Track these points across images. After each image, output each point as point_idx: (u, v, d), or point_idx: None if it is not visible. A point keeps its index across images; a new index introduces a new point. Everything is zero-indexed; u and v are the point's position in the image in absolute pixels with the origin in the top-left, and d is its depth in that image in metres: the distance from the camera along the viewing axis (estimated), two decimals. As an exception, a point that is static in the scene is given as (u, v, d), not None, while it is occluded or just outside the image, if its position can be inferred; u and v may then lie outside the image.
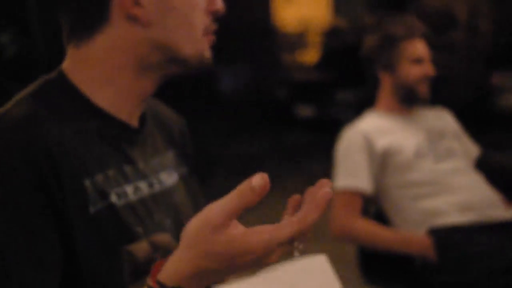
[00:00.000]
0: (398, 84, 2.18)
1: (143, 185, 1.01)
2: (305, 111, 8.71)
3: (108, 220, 0.93)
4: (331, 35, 10.92)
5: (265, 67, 9.96)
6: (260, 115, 9.24)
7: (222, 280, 0.78)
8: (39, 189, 0.87)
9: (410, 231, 2.07)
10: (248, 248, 0.73)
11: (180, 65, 1.01)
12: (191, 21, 1.00)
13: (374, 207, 2.22)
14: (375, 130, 2.16)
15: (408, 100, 2.19)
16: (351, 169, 2.13)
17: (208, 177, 5.99)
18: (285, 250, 0.75)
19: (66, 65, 1.00)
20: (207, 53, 1.03)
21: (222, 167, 6.58)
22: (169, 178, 1.08)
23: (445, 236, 1.99)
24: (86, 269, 0.88)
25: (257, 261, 0.74)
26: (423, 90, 2.16)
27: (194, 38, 1.01)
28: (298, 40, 12.41)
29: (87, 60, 0.99)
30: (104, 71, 0.99)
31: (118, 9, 0.96)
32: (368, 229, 2.09)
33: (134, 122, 1.03)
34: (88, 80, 0.98)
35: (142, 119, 1.06)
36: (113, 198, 0.94)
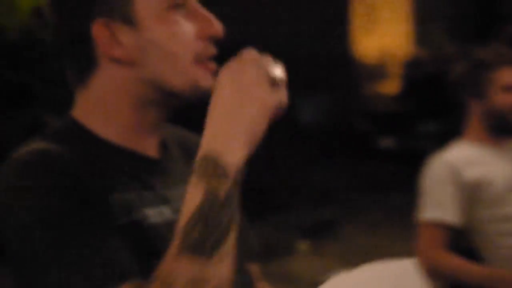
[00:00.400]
0: (488, 113, 2.10)
1: (166, 211, 1.00)
2: (385, 142, 8.59)
3: (134, 235, 0.92)
4: (412, 65, 10.77)
5: (345, 97, 9.90)
6: (340, 146, 9.17)
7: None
8: (77, 197, 0.89)
9: (502, 268, 1.97)
10: None
11: (176, 98, 0.99)
12: (173, 52, 0.97)
13: (463, 241, 2.13)
14: (464, 160, 2.08)
15: (499, 130, 2.10)
16: (437, 201, 2.05)
17: (286, 208, 5.96)
18: None
19: (75, 110, 1.02)
20: (204, 81, 0.99)
21: (301, 197, 6.53)
22: None
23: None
24: None
25: None
26: (514, 119, 2.07)
27: (181, 69, 0.98)
28: (378, 71, 12.30)
29: (90, 102, 1.00)
30: (107, 111, 1.00)
31: (102, 52, 0.97)
32: (455, 264, 2.00)
33: (151, 153, 1.03)
34: (96, 120, 1.00)
35: (163, 148, 1.06)
36: (135, 217, 0.94)
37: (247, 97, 0.89)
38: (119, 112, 1.00)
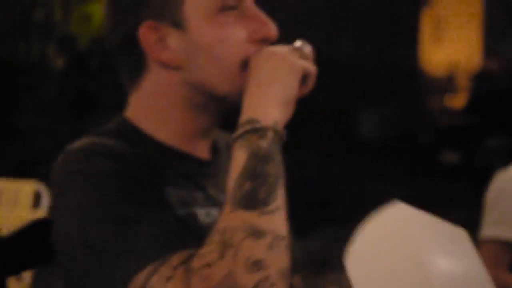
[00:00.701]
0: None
1: (215, 212, 1.00)
2: (450, 157, 8.40)
3: (192, 226, 0.93)
4: (481, 78, 10.51)
5: (410, 110, 9.74)
6: (403, 160, 9.02)
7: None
8: (134, 184, 0.91)
9: None
10: None
11: (223, 103, 0.99)
12: (222, 56, 0.96)
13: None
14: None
15: None
16: (501, 217, 1.96)
17: (345, 221, 5.89)
18: None
19: (128, 111, 1.03)
20: None
21: (362, 211, 6.45)
22: None
23: None
24: None
25: None
26: None
27: (229, 74, 0.97)
28: (446, 84, 12.06)
29: (142, 104, 1.01)
30: (158, 113, 1.00)
31: (149, 56, 0.97)
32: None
33: (203, 155, 1.03)
34: (148, 121, 1.00)
35: (214, 151, 1.06)
36: (190, 211, 0.95)
37: (278, 64, 0.94)
38: (169, 115, 1.00)
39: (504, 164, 2.25)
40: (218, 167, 1.06)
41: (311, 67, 0.98)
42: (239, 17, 0.98)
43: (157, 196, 0.92)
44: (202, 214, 0.98)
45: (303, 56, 0.97)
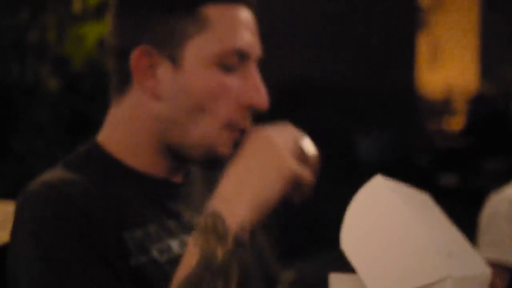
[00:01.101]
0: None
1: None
2: (448, 180, 8.40)
3: (150, 274, 0.89)
4: (478, 100, 10.56)
5: (407, 133, 9.75)
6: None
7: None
8: (83, 234, 0.87)
9: None
10: None
11: (187, 153, 0.95)
12: (207, 109, 0.93)
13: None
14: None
15: None
16: (495, 240, 1.95)
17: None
18: None
19: (100, 135, 1.01)
20: (223, 148, 0.94)
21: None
22: None
23: None
24: None
25: None
26: None
27: (207, 127, 0.93)
28: (442, 106, 12.10)
29: (115, 123, 0.99)
30: (129, 138, 0.97)
31: (136, 79, 0.96)
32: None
33: (177, 179, 1.00)
34: (120, 146, 0.98)
35: (186, 174, 1.03)
36: (155, 254, 0.91)
37: (266, 161, 0.85)
38: (140, 143, 0.98)
39: (501, 186, 2.22)
40: (190, 188, 1.03)
41: (307, 176, 0.89)
42: (239, 75, 0.96)
43: (109, 246, 0.89)
44: (175, 245, 0.95)
45: (303, 158, 0.88)
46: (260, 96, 0.94)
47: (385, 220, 0.85)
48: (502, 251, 1.93)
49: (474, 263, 0.91)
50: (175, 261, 0.92)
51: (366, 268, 0.81)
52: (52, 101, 5.58)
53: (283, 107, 3.81)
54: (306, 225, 5.93)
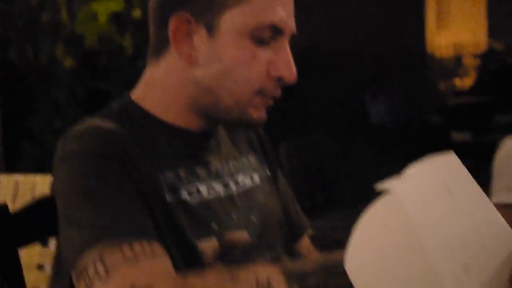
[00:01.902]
0: None
1: (217, 186, 1.04)
2: (461, 136, 8.39)
3: (180, 214, 0.96)
4: (487, 57, 10.49)
5: (420, 93, 9.72)
6: (415, 142, 9.03)
7: None
8: (123, 167, 0.94)
9: None
10: None
11: (222, 116, 1.01)
12: (238, 77, 0.98)
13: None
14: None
15: None
16: (510, 184, 1.94)
17: (353, 203, 5.91)
18: None
19: (135, 93, 1.06)
20: (256, 115, 1.00)
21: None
22: (248, 180, 1.10)
23: None
24: None
25: None
26: None
27: (239, 94, 0.99)
28: (453, 65, 12.03)
29: (151, 82, 1.04)
30: (164, 94, 1.03)
31: (172, 43, 1.01)
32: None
33: (204, 130, 1.08)
34: (156, 103, 1.03)
35: (214, 127, 1.10)
36: (184, 195, 0.98)
37: None
38: (175, 101, 1.04)
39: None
40: (219, 141, 1.10)
41: None
42: (271, 48, 1.00)
43: (146, 182, 0.95)
44: (204, 189, 1.01)
45: None
46: (290, 71, 0.99)
47: (393, 240, 0.77)
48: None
49: (496, 252, 0.83)
50: (204, 204, 1.00)
51: None
52: (67, 80, 5.63)
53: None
54: (322, 186, 5.99)
